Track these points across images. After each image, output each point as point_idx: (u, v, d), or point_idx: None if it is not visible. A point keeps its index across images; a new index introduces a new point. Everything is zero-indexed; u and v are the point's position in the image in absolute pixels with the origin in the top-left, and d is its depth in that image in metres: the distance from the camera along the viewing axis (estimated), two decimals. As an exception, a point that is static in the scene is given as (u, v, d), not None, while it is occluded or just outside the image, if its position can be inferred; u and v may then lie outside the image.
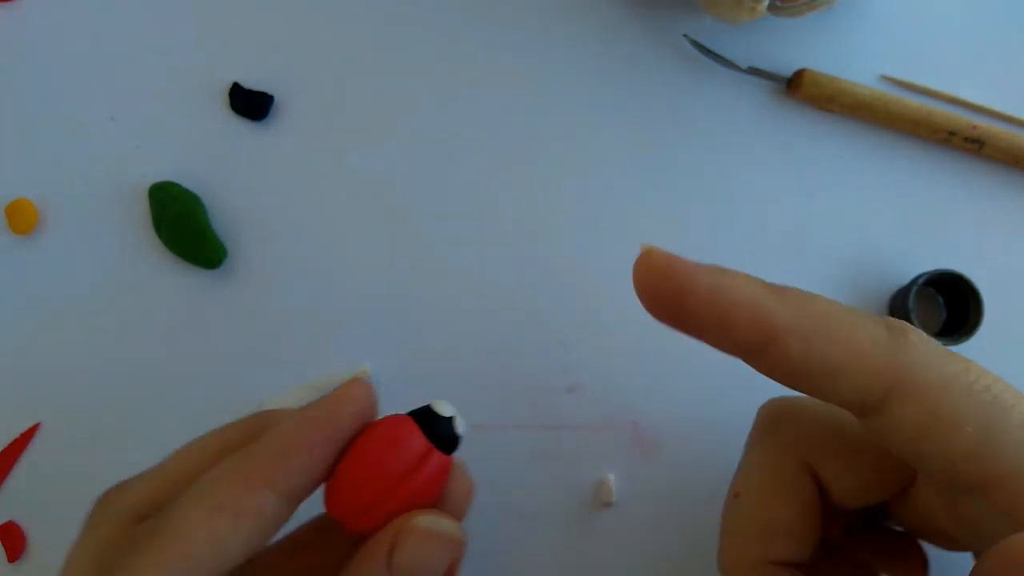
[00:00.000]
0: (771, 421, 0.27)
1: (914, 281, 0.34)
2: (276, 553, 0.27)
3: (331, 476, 0.24)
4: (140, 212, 0.37)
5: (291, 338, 0.36)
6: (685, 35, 0.37)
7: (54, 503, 0.36)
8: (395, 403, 0.35)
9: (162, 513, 0.23)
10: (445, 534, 0.24)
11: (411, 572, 0.23)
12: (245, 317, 0.36)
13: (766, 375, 0.23)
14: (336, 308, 0.36)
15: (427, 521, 0.24)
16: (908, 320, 0.33)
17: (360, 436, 0.25)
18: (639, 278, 0.23)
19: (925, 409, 0.21)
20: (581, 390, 0.36)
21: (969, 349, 0.34)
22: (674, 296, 0.22)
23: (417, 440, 0.24)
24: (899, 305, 0.34)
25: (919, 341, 0.22)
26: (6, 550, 0.35)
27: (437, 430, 0.25)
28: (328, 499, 0.25)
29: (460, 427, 0.26)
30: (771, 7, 0.34)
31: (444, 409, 0.26)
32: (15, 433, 0.36)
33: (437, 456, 0.25)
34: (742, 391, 0.36)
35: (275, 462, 0.23)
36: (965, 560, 0.23)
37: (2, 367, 0.36)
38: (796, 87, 0.36)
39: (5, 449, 0.36)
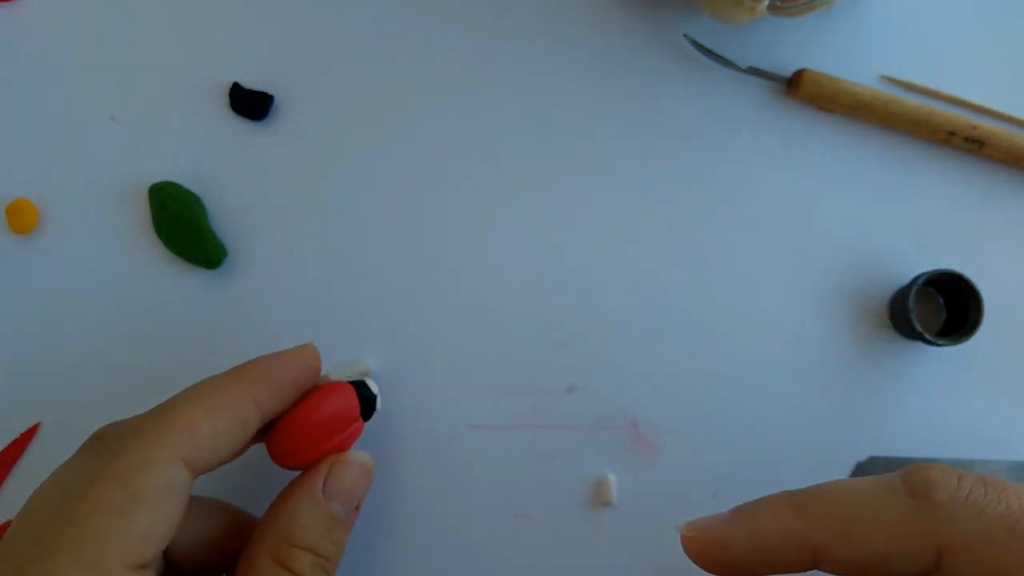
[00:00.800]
0: None
1: (914, 281, 0.34)
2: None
3: (281, 418, 0.30)
4: (140, 212, 0.37)
5: (291, 338, 0.36)
6: (685, 35, 0.37)
7: (54, 503, 0.36)
8: (395, 402, 0.35)
9: (163, 407, 0.27)
10: (366, 464, 0.30)
11: (340, 492, 0.29)
12: (245, 317, 0.36)
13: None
14: (336, 307, 0.36)
15: (354, 455, 0.30)
16: (908, 320, 0.33)
17: (317, 392, 0.31)
18: (693, 560, 0.26)
19: (977, 563, 0.22)
20: (581, 390, 0.36)
21: (969, 349, 0.34)
22: (726, 565, 0.25)
23: (356, 408, 0.31)
24: (899, 305, 0.34)
25: (946, 497, 0.22)
26: (6, 550, 0.35)
27: (366, 403, 0.32)
28: (277, 435, 0.30)
29: (379, 404, 0.33)
30: (771, 7, 0.34)
31: (374, 388, 0.33)
32: (15, 433, 0.36)
33: (359, 421, 0.32)
34: (742, 391, 0.36)
35: (262, 384, 0.28)
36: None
37: (2, 367, 0.36)
38: (796, 87, 0.36)
39: (5, 449, 0.36)
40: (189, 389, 0.28)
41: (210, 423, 0.26)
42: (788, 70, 0.36)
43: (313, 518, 0.28)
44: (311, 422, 0.30)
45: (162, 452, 0.25)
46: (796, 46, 0.37)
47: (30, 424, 0.36)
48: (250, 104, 0.36)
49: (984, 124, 0.36)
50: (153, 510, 0.24)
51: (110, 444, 0.26)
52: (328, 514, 0.28)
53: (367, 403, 0.32)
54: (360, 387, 0.32)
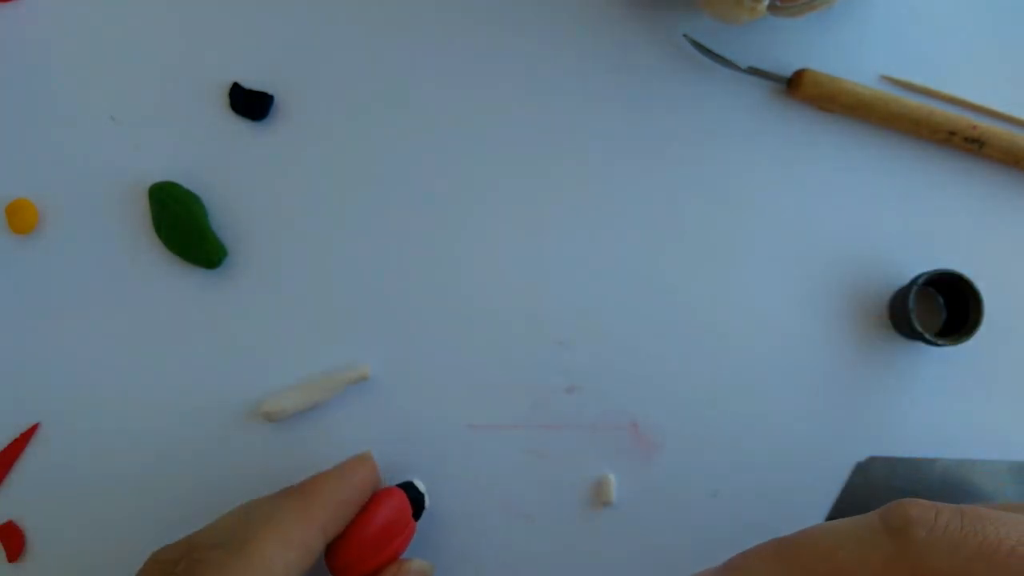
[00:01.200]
0: None
1: (914, 281, 0.34)
2: None
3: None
4: (140, 212, 0.37)
5: (291, 338, 0.36)
6: (685, 35, 0.37)
7: (54, 503, 0.36)
8: (395, 403, 0.35)
9: (238, 539, 0.27)
10: (425, 572, 0.32)
11: None
12: (245, 317, 0.36)
13: None
14: (336, 308, 0.36)
15: (414, 564, 0.32)
16: (908, 320, 0.33)
17: (371, 502, 0.31)
18: None
19: None
20: (581, 390, 0.36)
21: (969, 349, 0.34)
22: None
23: (408, 512, 0.32)
24: (899, 305, 0.34)
25: (924, 533, 0.23)
26: (6, 550, 0.35)
27: (416, 503, 0.33)
28: (336, 550, 0.30)
29: (427, 502, 0.34)
30: (771, 7, 0.34)
31: (421, 487, 0.33)
32: (15, 433, 0.36)
33: (412, 523, 0.32)
34: (742, 391, 0.36)
35: (329, 510, 0.29)
36: None
37: (2, 367, 0.36)
38: (796, 87, 0.36)
39: (5, 449, 0.36)
40: (265, 518, 0.28)
41: (284, 560, 0.27)
42: (788, 70, 0.36)
43: None
44: (368, 536, 0.31)
45: None
46: (796, 46, 0.37)
47: (30, 424, 0.36)
48: (250, 104, 0.36)
49: (984, 124, 0.36)
50: None
51: None
52: None
53: (417, 503, 0.33)
54: (409, 488, 0.33)
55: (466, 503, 0.35)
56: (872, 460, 0.35)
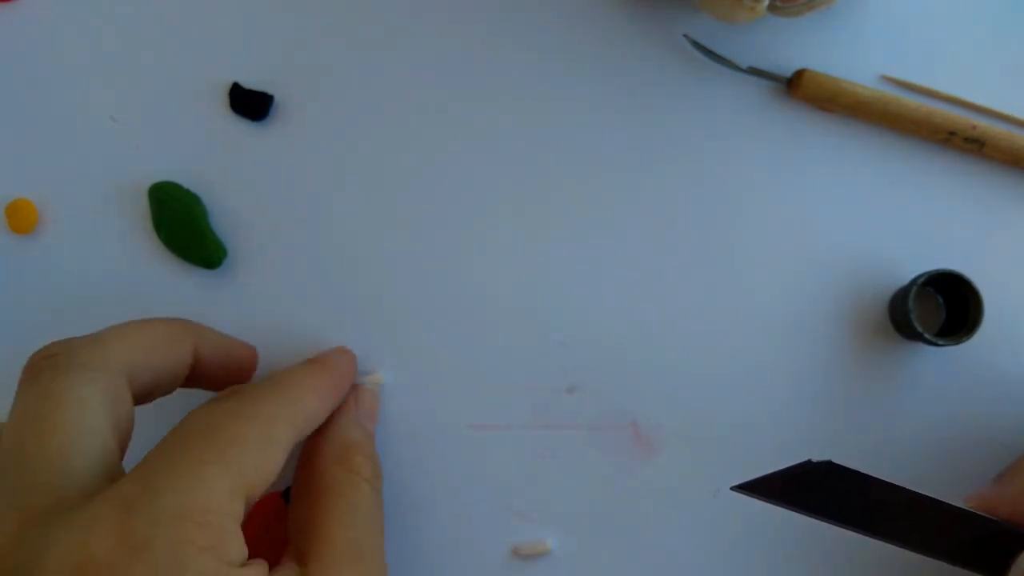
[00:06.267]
0: None
1: (914, 281, 0.34)
2: None
3: None
4: (140, 212, 0.37)
5: (291, 339, 0.36)
6: (685, 35, 0.37)
7: (54, 503, 0.36)
8: (394, 403, 0.35)
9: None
10: (375, 390, 0.36)
11: (369, 414, 0.35)
12: (245, 317, 0.36)
13: None
14: (336, 309, 0.36)
15: (367, 383, 0.35)
16: (908, 320, 0.33)
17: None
18: None
19: None
20: (581, 390, 0.36)
21: (969, 349, 0.34)
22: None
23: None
24: (899, 305, 0.34)
25: None
26: (6, 550, 0.35)
27: None
28: None
29: None
30: (771, 7, 0.34)
31: None
32: (15, 433, 0.36)
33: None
34: (742, 391, 0.36)
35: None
36: None
37: (2, 367, 0.36)
38: (796, 87, 0.36)
39: (5, 449, 0.36)
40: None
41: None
42: (788, 70, 0.36)
43: (360, 434, 0.33)
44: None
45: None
46: (796, 46, 0.37)
47: (30, 424, 0.36)
48: (250, 104, 0.36)
49: (984, 124, 0.36)
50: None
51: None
52: (367, 430, 0.34)
53: None
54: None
55: (466, 503, 0.35)
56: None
